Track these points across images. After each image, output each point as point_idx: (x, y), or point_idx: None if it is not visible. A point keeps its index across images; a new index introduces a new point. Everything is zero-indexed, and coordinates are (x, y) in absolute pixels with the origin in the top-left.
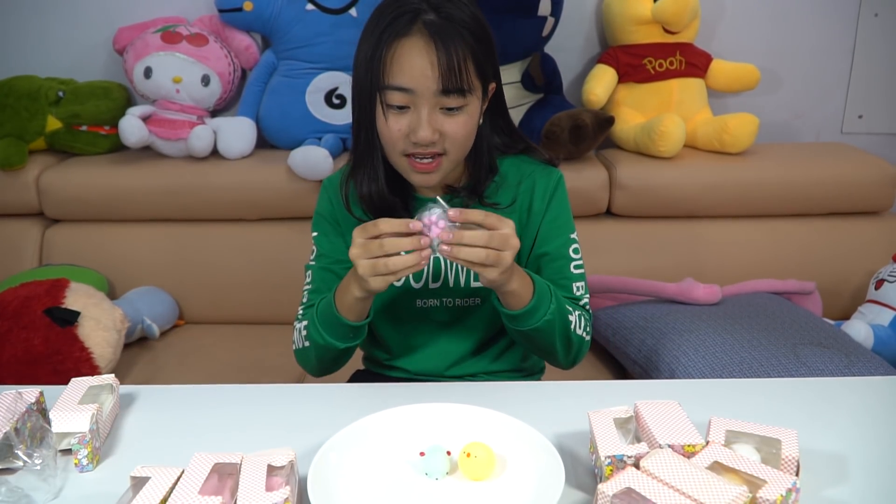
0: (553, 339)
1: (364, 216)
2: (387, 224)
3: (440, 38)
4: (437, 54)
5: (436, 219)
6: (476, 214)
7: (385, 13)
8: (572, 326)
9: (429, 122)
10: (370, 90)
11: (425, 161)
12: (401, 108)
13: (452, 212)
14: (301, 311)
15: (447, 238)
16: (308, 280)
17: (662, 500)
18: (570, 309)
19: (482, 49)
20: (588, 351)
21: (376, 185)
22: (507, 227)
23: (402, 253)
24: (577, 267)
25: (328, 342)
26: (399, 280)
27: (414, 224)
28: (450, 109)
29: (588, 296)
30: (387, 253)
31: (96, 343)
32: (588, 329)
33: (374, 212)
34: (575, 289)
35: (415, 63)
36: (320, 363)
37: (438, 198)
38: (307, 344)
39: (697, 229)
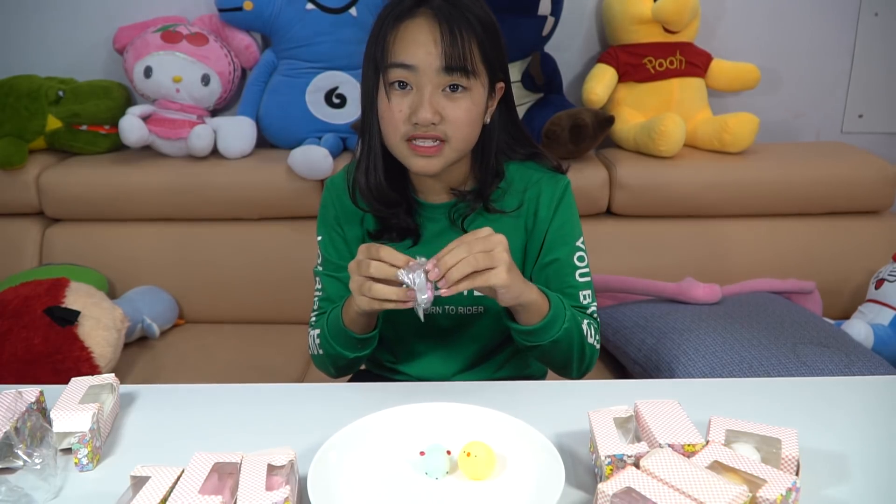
0: (571, 349)
1: (367, 207)
2: (386, 252)
3: (445, 18)
4: (441, 31)
5: (423, 279)
6: (445, 250)
7: (392, 1)
8: (585, 335)
9: (430, 101)
10: (374, 72)
11: (426, 144)
12: (402, 86)
13: (430, 264)
14: (314, 319)
15: (435, 276)
16: (318, 287)
17: (662, 499)
18: (580, 318)
19: (490, 40)
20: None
21: (374, 177)
22: (482, 232)
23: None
24: (583, 275)
25: (339, 352)
26: None
27: (401, 276)
28: (453, 91)
29: (595, 304)
30: (372, 277)
31: (96, 342)
32: (597, 338)
33: (376, 202)
34: (581, 297)
35: (418, 39)
36: (337, 369)
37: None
38: (321, 352)
39: (697, 229)
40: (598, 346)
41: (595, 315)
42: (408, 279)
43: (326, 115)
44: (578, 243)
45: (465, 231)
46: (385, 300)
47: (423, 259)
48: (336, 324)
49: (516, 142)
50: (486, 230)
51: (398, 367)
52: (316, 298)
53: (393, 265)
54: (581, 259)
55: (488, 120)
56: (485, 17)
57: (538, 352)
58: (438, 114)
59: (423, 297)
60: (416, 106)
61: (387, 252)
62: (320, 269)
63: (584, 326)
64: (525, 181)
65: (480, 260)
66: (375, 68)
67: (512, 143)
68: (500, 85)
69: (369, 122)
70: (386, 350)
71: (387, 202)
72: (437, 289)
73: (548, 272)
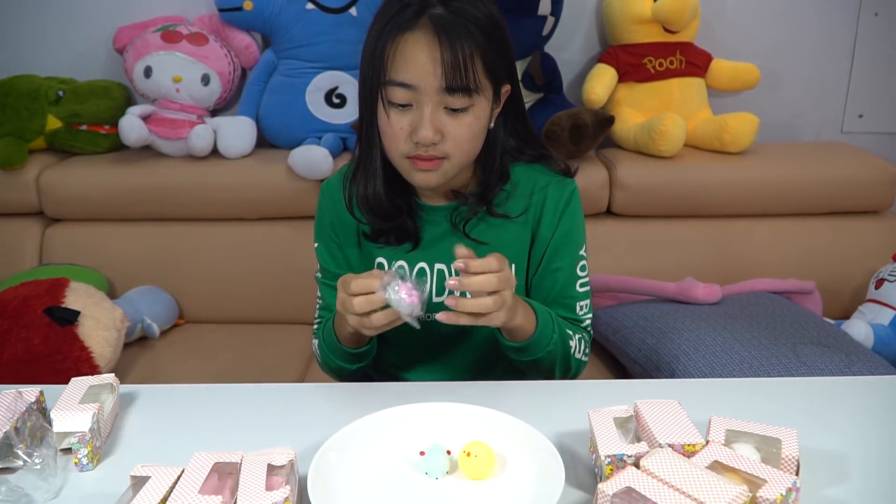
0: (554, 364)
1: (364, 218)
2: (357, 284)
3: (445, 33)
4: (441, 49)
5: (400, 289)
6: (476, 266)
7: (392, 4)
8: (572, 351)
9: (431, 120)
10: (372, 85)
11: (426, 160)
12: (403, 106)
13: (452, 281)
14: (315, 327)
15: (452, 304)
16: (318, 295)
17: (662, 499)
18: (571, 333)
19: (494, 48)
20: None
21: (373, 187)
22: (506, 266)
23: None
24: (582, 285)
25: (339, 365)
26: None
27: (384, 297)
28: (454, 110)
29: (591, 315)
30: (359, 314)
31: (96, 342)
32: (587, 351)
33: (373, 214)
34: (578, 308)
35: (417, 58)
36: (342, 378)
37: (399, 265)
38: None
39: (697, 229)
40: (585, 360)
41: (588, 328)
42: (387, 297)
43: (326, 115)
44: (581, 252)
45: (466, 235)
46: (387, 324)
47: (391, 271)
48: (331, 339)
49: (524, 143)
50: (506, 262)
51: (401, 373)
52: (317, 307)
53: (370, 293)
54: (583, 269)
55: (492, 125)
56: (488, 22)
57: (522, 363)
58: (440, 132)
59: (406, 309)
60: (416, 124)
61: (357, 284)
62: (319, 276)
63: (573, 343)
64: (532, 184)
65: (496, 301)
66: (373, 79)
67: (520, 145)
68: (506, 88)
69: (368, 131)
70: (390, 355)
71: (384, 215)
72: (423, 292)
73: (549, 280)
